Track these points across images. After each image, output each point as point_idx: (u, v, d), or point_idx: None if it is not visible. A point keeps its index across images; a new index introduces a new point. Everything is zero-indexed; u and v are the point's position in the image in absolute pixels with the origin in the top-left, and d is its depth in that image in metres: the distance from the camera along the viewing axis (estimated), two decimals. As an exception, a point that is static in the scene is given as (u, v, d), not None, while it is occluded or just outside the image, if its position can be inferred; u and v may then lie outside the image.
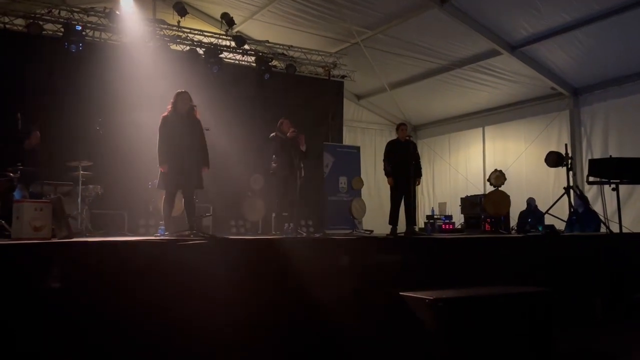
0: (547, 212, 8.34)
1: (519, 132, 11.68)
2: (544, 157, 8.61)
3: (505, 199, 8.42)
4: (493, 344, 4.66)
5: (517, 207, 9.51)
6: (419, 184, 7.44)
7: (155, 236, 5.86)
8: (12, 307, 3.66)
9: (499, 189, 8.48)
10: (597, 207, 8.92)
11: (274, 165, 7.24)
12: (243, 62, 10.44)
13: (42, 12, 8.37)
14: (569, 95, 10.69)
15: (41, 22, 8.30)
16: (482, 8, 9.15)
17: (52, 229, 4.83)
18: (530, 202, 9.96)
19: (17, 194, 6.00)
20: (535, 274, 5.82)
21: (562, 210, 8.49)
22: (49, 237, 4.66)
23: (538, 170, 10.59)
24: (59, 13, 8.48)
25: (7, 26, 8.26)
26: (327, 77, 11.15)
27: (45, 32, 8.41)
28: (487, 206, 8.44)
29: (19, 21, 8.35)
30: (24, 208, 4.60)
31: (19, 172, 6.01)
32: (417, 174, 7.34)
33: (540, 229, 8.03)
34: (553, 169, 9.37)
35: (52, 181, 6.80)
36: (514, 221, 9.34)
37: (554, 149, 9.17)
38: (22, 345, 3.65)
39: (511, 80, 10.89)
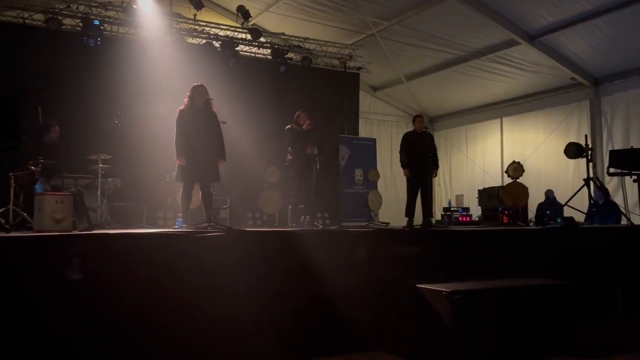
0: (566, 203, 8.24)
1: (538, 123, 11.53)
2: (564, 148, 8.49)
3: (523, 191, 8.34)
4: (511, 336, 4.64)
5: (535, 199, 9.41)
6: (435, 175, 7.40)
7: (174, 228, 5.92)
8: (34, 297, 3.74)
9: (517, 180, 8.40)
10: (618, 199, 8.79)
11: (289, 157, 7.25)
12: (259, 55, 10.44)
13: (61, 7, 8.46)
14: (589, 85, 10.51)
15: (60, 17, 8.40)
16: (500, -3, 9.03)
17: (73, 221, 4.91)
18: (549, 194, 9.84)
19: (38, 187, 6.12)
20: (554, 267, 5.76)
21: (582, 202, 8.37)
22: (70, 229, 4.74)
23: (557, 161, 10.46)
24: (77, 8, 8.57)
25: (27, 21, 8.37)
26: (342, 69, 11.10)
27: (64, 26, 8.50)
28: (505, 198, 8.36)
29: (38, 16, 8.45)
30: (45, 200, 4.69)
31: (40, 165, 6.11)
32: (434, 165, 7.30)
33: (559, 220, 7.93)
34: (572, 160, 9.23)
35: (72, 174, 6.89)
36: (532, 213, 9.25)
37: (573, 139, 9.03)
38: (43, 334, 3.73)
39: (530, 71, 10.73)
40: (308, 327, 4.72)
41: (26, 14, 8.36)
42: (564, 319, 4.91)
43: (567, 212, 8.26)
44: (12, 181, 5.72)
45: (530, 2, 8.95)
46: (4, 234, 4.27)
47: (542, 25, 9.45)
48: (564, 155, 8.53)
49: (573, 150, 8.32)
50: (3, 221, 4.84)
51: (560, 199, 9.24)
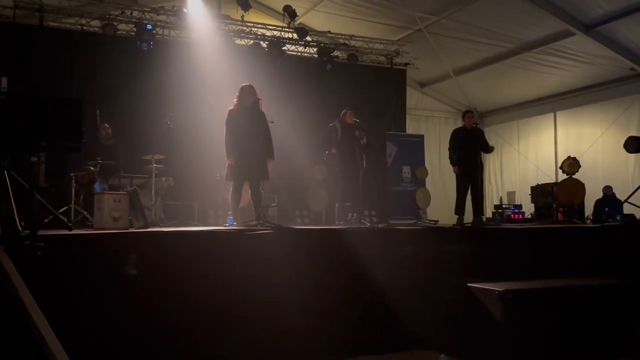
0: (626, 200, 7.89)
1: (594, 116, 11.08)
2: (623, 142, 8.14)
3: (579, 187, 8.05)
4: (566, 337, 4.49)
5: (592, 195, 9.06)
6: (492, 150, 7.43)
7: (224, 226, 6.05)
8: (94, 290, 3.92)
9: (573, 176, 8.11)
10: (683, 195, 8.32)
11: (336, 155, 7.26)
12: (305, 54, 10.51)
13: (116, 13, 8.80)
14: (650, 76, 10.01)
15: (115, 23, 8.74)
16: (554, -14, 8.72)
17: (130, 219, 5.11)
18: (607, 190, 9.46)
19: (97, 187, 6.40)
20: (613, 266, 5.54)
21: (644, 198, 8.00)
22: (127, 227, 4.93)
23: (616, 156, 10.04)
24: (131, 13, 8.89)
25: (84, 28, 8.75)
26: (389, 66, 11.02)
27: (119, 32, 8.84)
28: (560, 195, 8.10)
29: (95, 22, 8.82)
30: (104, 199, 4.89)
31: (98, 166, 6.39)
32: (487, 148, 7.33)
33: (618, 218, 7.61)
34: (633, 155, 8.86)
35: (128, 174, 7.15)
36: (588, 210, 8.91)
37: (633, 133, 8.66)
38: (100, 326, 3.90)
39: (585, 62, 10.30)
40: (357, 325, 4.73)
41: (84, 21, 8.74)
42: (622, 320, 4.72)
43: (627, 209, 7.92)
44: (74, 181, 6.02)
45: (586, -10, 8.60)
46: (67, 232, 4.50)
47: (598, 14, 9.05)
48: (623, 149, 8.19)
49: (633, 145, 7.98)
50: (66, 219, 5.08)
51: (620, 195, 8.86)
